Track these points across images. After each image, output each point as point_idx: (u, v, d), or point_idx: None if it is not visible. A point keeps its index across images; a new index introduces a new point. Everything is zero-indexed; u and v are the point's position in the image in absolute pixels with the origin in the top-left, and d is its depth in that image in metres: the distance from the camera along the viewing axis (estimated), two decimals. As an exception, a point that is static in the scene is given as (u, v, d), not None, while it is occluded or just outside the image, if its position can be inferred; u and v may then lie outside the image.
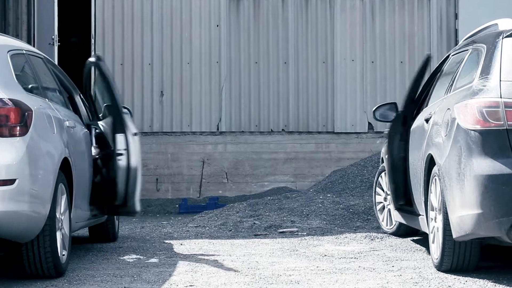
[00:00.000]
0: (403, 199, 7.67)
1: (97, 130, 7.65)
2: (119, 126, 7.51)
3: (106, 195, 7.51)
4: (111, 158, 7.48)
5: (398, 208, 7.86)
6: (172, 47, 12.55)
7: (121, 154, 7.47)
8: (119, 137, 7.47)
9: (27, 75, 6.64)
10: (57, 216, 6.28)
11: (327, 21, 12.81)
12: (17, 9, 12.70)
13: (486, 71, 6.10)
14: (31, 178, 5.90)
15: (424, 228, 7.09)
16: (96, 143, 7.57)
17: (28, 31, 12.64)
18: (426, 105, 7.48)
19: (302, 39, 12.63)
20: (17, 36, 12.34)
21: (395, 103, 8.24)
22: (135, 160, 7.47)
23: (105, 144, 7.57)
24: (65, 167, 6.49)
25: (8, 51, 6.41)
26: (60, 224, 6.35)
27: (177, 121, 12.55)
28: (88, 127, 7.69)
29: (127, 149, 7.47)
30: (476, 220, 5.80)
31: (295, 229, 9.28)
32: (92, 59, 7.75)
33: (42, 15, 12.34)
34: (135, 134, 7.59)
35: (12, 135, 5.90)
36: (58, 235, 6.28)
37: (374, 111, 8.27)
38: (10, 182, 5.82)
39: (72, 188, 6.71)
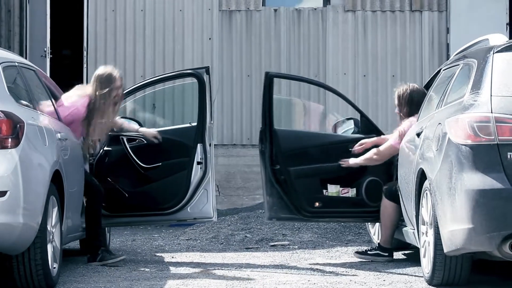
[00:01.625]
0: (279, 211, 7.84)
1: (136, 141, 7.77)
2: (199, 136, 7.67)
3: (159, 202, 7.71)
4: (180, 166, 7.66)
5: (274, 218, 7.99)
6: (164, 59, 12.56)
7: (201, 163, 7.66)
8: (200, 147, 7.69)
9: (19, 87, 6.64)
10: (48, 228, 6.26)
11: (319, 35, 12.84)
12: (9, 21, 12.69)
13: (477, 86, 6.12)
14: (23, 190, 5.89)
15: (415, 242, 7.09)
16: (135, 153, 7.68)
17: (20, 43, 12.63)
18: (417, 120, 7.50)
19: (294, 52, 12.65)
20: (9, 48, 12.33)
21: (353, 118, 8.32)
22: (212, 169, 7.74)
23: (153, 154, 7.70)
24: (56, 179, 6.49)
25: (0, 63, 6.41)
26: (51, 237, 6.34)
27: (169, 134, 12.53)
28: (116, 138, 7.75)
29: (205, 158, 7.67)
30: (467, 234, 5.80)
31: (287, 242, 9.27)
32: (190, 70, 8.14)
33: (35, 28, 12.34)
34: (210, 144, 7.77)
35: (3, 147, 5.89)
36: (49, 248, 6.26)
37: (334, 126, 8.37)
38: (1, 194, 5.81)
39: (64, 200, 6.70)
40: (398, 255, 8.25)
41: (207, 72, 7.88)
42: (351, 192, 7.93)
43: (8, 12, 12.69)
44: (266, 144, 7.93)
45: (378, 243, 7.89)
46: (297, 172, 7.89)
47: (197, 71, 8.00)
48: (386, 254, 7.75)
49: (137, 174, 7.76)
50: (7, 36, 12.67)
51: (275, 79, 8.19)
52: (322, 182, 8.00)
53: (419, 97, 7.74)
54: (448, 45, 12.78)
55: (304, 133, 8.02)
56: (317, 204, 7.92)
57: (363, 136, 8.12)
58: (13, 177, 5.86)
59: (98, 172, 7.80)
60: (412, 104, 7.79)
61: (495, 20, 12.63)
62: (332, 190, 7.99)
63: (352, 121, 8.31)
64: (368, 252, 7.82)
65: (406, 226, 7.45)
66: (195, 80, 7.92)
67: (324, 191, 7.98)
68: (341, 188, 8.00)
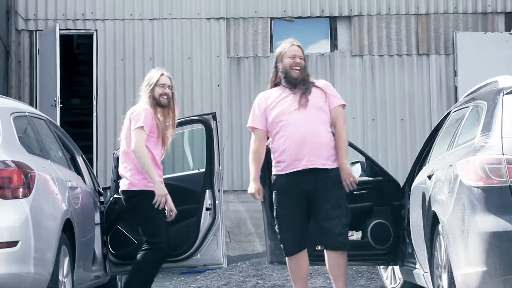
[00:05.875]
0: (281, 255, 7.82)
1: None
2: (208, 182, 7.66)
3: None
4: (189, 213, 7.58)
5: (275, 262, 7.90)
6: (173, 107, 12.59)
7: (209, 209, 7.62)
8: (208, 193, 7.64)
9: (30, 137, 6.66)
10: (60, 278, 6.24)
11: (327, 80, 12.87)
12: (19, 72, 12.79)
13: (487, 128, 6.12)
14: (34, 240, 5.88)
15: (426, 284, 7.04)
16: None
17: (30, 93, 12.71)
18: (428, 162, 7.49)
19: (302, 97, 12.67)
20: (19, 98, 12.41)
21: (359, 162, 8.30)
22: (221, 215, 7.68)
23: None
24: (68, 228, 6.48)
25: (11, 114, 6.45)
26: (63, 287, 6.31)
27: (179, 181, 12.52)
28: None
29: (214, 204, 7.65)
30: (481, 277, 5.76)
31: (299, 288, 9.21)
32: (197, 116, 8.12)
33: (44, 78, 12.41)
34: (219, 190, 7.74)
35: (15, 197, 5.89)
36: (61, 298, 6.24)
37: None
38: (13, 244, 5.79)
39: (75, 249, 6.68)
40: (411, 299, 8.18)
41: (214, 118, 7.92)
42: (356, 235, 7.89)
43: (19, 63, 12.78)
44: (266, 189, 7.95)
45: None
46: None
47: (204, 117, 8.04)
48: None
49: None
50: (18, 86, 12.75)
51: None
52: None
53: None
54: (456, 88, 12.81)
55: None
56: (318, 247, 7.90)
57: (368, 179, 8.11)
58: (24, 227, 5.85)
59: (108, 219, 7.80)
60: None
61: (502, 62, 12.67)
62: None
63: (359, 165, 8.31)
64: None
65: (416, 268, 7.40)
66: (203, 126, 7.96)
67: None
68: None
